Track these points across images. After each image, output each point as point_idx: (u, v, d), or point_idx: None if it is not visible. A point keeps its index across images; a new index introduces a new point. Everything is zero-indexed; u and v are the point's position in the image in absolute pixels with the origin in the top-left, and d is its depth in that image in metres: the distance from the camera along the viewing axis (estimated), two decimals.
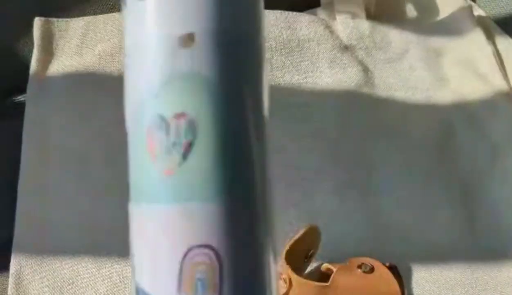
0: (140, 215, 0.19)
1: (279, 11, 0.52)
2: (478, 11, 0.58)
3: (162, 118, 0.19)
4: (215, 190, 0.19)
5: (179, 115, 0.19)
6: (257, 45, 0.20)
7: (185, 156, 0.19)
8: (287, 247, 0.38)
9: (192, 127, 0.19)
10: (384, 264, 0.39)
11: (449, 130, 0.51)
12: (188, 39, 0.18)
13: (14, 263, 0.41)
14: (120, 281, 0.41)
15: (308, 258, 0.40)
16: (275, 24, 0.51)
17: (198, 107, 0.19)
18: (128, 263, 0.41)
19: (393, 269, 0.39)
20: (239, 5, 0.19)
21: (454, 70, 0.54)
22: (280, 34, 0.51)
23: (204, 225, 0.19)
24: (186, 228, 0.19)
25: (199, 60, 0.19)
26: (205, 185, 0.19)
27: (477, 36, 0.55)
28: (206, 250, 0.19)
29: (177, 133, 0.19)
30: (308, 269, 0.41)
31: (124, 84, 0.20)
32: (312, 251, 0.40)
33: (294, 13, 0.53)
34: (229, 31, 0.19)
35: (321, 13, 0.55)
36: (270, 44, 0.50)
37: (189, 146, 0.19)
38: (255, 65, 0.20)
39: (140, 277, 0.19)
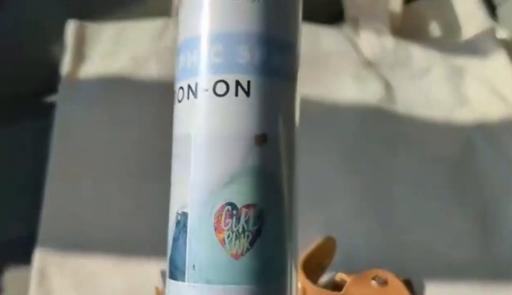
0: (196, 293, 0.21)
1: (304, 23, 0.52)
2: (501, 33, 0.59)
3: (234, 207, 0.21)
4: (274, 274, 0.21)
5: (249, 206, 0.21)
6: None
7: (252, 242, 0.21)
8: (304, 256, 0.39)
9: (261, 217, 0.21)
10: (398, 277, 0.39)
11: (468, 148, 0.51)
12: (261, 139, 0.21)
13: (38, 257, 0.42)
14: (137, 280, 0.42)
15: (322, 268, 0.41)
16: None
17: (267, 199, 0.21)
18: (146, 262, 0.42)
19: (407, 283, 0.39)
20: (292, 112, 0.23)
21: (476, 90, 0.54)
22: (303, 45, 0.52)
23: None
24: None
25: (269, 157, 0.21)
26: (266, 270, 0.21)
27: (500, 58, 0.55)
28: None
29: (246, 222, 0.21)
30: (322, 279, 0.41)
31: (177, 170, 0.22)
32: (327, 261, 0.41)
33: (319, 26, 0.53)
34: (290, 133, 0.22)
35: (345, 28, 0.56)
36: None
37: (257, 233, 0.21)
38: (296, 157, 0.23)
39: None
